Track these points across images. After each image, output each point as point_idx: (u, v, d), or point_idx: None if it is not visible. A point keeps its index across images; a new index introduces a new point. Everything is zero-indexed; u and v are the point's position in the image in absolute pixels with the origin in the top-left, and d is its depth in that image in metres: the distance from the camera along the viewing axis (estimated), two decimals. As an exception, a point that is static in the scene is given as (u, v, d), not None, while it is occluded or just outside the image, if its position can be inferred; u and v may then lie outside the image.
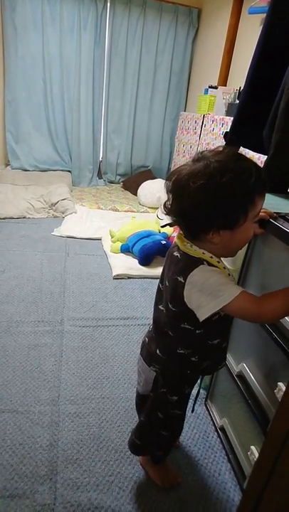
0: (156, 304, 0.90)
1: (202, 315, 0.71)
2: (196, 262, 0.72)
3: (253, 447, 0.97)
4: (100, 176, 4.61)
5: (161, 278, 0.86)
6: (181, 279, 0.73)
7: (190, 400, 0.99)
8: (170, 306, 0.79)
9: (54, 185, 3.68)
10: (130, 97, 4.25)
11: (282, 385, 0.84)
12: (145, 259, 2.41)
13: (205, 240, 0.73)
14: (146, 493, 1.04)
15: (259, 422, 0.94)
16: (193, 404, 1.06)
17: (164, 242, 2.47)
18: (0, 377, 1.40)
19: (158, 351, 0.88)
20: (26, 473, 1.06)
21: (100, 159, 4.56)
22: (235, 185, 0.65)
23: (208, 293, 0.69)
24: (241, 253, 0.98)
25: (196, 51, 4.19)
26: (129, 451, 1.07)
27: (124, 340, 1.69)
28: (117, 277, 2.29)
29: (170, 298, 0.79)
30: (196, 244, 0.74)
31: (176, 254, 0.77)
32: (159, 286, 0.88)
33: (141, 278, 2.31)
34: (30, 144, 4.17)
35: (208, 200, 0.67)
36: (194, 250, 0.73)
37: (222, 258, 0.78)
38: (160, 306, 0.87)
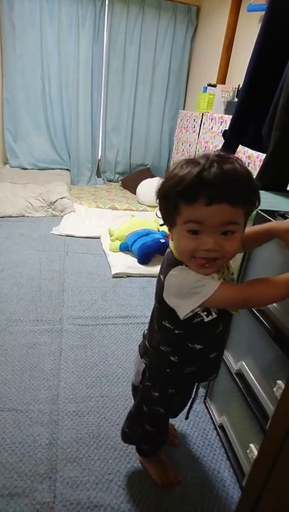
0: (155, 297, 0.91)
1: (182, 312, 0.71)
2: (176, 262, 0.72)
3: (252, 445, 0.97)
4: (98, 174, 4.60)
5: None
6: (162, 277, 0.76)
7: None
8: (156, 302, 0.83)
9: (53, 183, 3.67)
10: (129, 95, 4.25)
11: (281, 383, 0.84)
12: (144, 258, 2.41)
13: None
14: (145, 491, 1.04)
15: (258, 420, 0.94)
16: (188, 411, 1.02)
17: (163, 240, 2.46)
18: (-1, 376, 1.40)
19: (147, 344, 0.91)
20: (26, 472, 1.06)
21: (99, 158, 4.56)
22: (162, 187, 0.68)
23: (186, 291, 0.69)
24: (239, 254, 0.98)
25: (194, 49, 4.19)
26: (126, 444, 1.10)
27: (123, 339, 1.69)
28: (116, 276, 2.28)
29: (156, 295, 0.82)
30: None
31: (168, 250, 0.78)
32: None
33: (140, 276, 2.31)
34: (29, 142, 4.17)
35: (156, 192, 0.71)
36: (176, 250, 0.74)
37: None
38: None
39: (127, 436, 1.06)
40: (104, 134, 4.40)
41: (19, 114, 4.04)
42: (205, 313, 0.74)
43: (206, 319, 0.75)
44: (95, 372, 1.47)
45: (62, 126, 4.24)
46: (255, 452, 0.94)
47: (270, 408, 0.90)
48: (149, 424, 0.98)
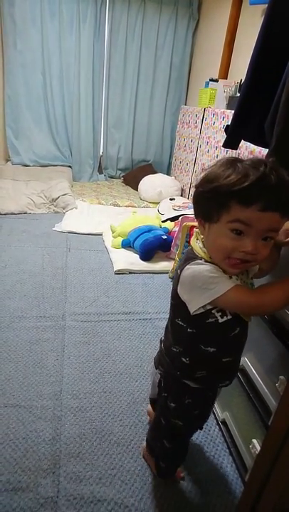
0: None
1: (192, 307, 0.71)
2: (195, 257, 0.73)
3: (254, 440, 0.98)
4: (100, 170, 4.59)
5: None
6: (179, 271, 0.75)
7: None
8: (171, 299, 0.81)
9: (54, 180, 3.67)
10: (130, 91, 4.22)
11: (283, 379, 0.84)
12: (146, 254, 2.41)
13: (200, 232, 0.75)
14: (148, 486, 1.05)
15: (261, 415, 0.94)
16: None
17: (164, 237, 2.46)
18: (2, 372, 1.41)
19: (162, 347, 0.89)
20: (29, 467, 1.07)
21: (101, 154, 4.54)
22: (216, 180, 0.66)
23: (199, 285, 0.69)
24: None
25: (196, 44, 4.15)
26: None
27: (125, 335, 1.70)
28: (118, 272, 2.29)
29: (172, 291, 0.80)
30: (202, 241, 0.75)
31: (188, 248, 0.78)
32: None
33: (142, 273, 2.31)
34: (31, 139, 4.16)
35: (198, 186, 0.71)
36: (199, 247, 0.74)
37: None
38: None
39: (149, 446, 1.07)
40: (105, 130, 4.38)
41: (20, 111, 4.02)
42: (220, 313, 0.73)
43: (221, 320, 0.73)
44: (98, 368, 1.48)
45: (63, 123, 4.22)
46: (258, 447, 0.94)
47: (272, 403, 0.90)
48: (166, 440, 0.94)
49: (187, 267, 0.72)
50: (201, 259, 0.72)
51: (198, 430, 1.01)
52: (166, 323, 0.90)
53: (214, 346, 0.77)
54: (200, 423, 0.95)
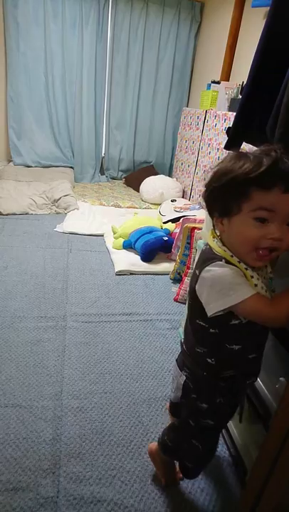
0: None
1: (209, 311, 0.70)
2: (215, 257, 0.70)
3: (254, 442, 0.97)
4: (102, 172, 4.60)
5: None
6: (197, 271, 0.73)
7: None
8: (189, 299, 0.79)
9: (56, 181, 3.68)
10: (132, 93, 4.24)
11: (283, 380, 0.84)
12: (147, 256, 2.41)
13: (217, 230, 0.73)
14: (148, 487, 1.05)
15: (261, 416, 0.94)
16: (240, 416, 0.92)
17: (166, 238, 2.46)
18: (3, 372, 1.41)
19: (185, 349, 0.87)
20: (30, 467, 1.07)
21: (102, 155, 4.55)
22: (229, 172, 0.66)
23: (218, 290, 0.68)
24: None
25: (198, 46, 4.16)
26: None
27: (126, 336, 1.70)
28: (120, 273, 2.29)
29: (189, 290, 0.79)
30: (220, 240, 0.73)
31: (204, 247, 0.77)
32: None
33: (143, 274, 2.31)
34: (33, 140, 4.17)
35: (210, 183, 0.70)
36: (218, 246, 0.72)
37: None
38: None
39: (170, 449, 1.00)
40: (107, 131, 4.39)
41: (23, 112, 4.04)
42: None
43: (244, 321, 0.71)
44: (99, 369, 1.48)
45: (65, 124, 4.24)
46: (258, 449, 0.94)
47: (272, 405, 0.90)
48: (196, 439, 0.90)
49: (207, 268, 0.69)
50: (221, 259, 0.69)
51: None
52: (184, 324, 0.88)
53: (240, 344, 0.75)
54: (229, 419, 0.94)
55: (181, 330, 1.73)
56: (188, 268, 2.07)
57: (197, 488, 1.06)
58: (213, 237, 0.74)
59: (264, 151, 0.65)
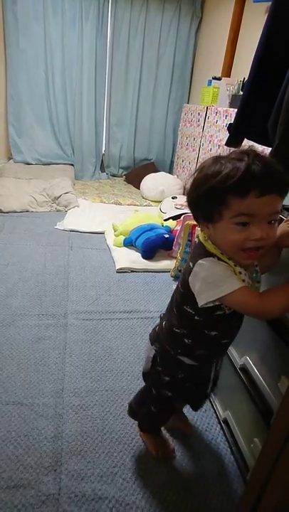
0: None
1: (200, 301, 0.75)
2: (207, 253, 0.75)
3: (256, 439, 0.98)
4: (102, 169, 4.59)
5: None
6: (190, 264, 0.78)
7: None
8: (180, 287, 0.85)
9: (57, 178, 3.67)
10: (133, 89, 4.22)
11: (285, 378, 0.84)
12: (148, 253, 2.41)
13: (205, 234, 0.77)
14: (149, 484, 1.05)
15: (262, 414, 0.94)
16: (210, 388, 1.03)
17: (166, 235, 2.46)
18: (4, 370, 1.41)
19: (164, 324, 0.94)
20: (31, 464, 1.07)
21: (103, 152, 4.54)
22: (207, 181, 0.68)
23: (209, 281, 0.73)
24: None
25: (199, 42, 4.14)
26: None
27: (127, 334, 1.70)
28: (120, 271, 2.29)
29: (181, 279, 0.84)
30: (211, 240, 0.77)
31: (196, 241, 0.81)
32: None
33: (144, 271, 2.31)
34: (33, 137, 4.16)
35: (191, 191, 0.74)
36: (209, 244, 0.76)
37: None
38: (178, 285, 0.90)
39: (132, 410, 1.12)
40: (108, 128, 4.38)
41: (23, 109, 4.03)
42: (227, 307, 0.77)
43: (228, 312, 0.78)
44: (100, 367, 1.48)
45: (66, 121, 4.22)
46: (259, 447, 0.94)
47: (274, 403, 0.90)
48: (153, 405, 1.03)
49: (200, 261, 0.74)
50: (213, 256, 0.74)
51: (192, 410, 1.15)
52: (168, 305, 0.95)
53: (217, 331, 0.83)
54: (187, 395, 1.05)
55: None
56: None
57: (199, 485, 1.06)
58: (205, 236, 0.78)
59: (237, 154, 0.67)
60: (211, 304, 0.75)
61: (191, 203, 0.75)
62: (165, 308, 0.98)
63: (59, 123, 4.20)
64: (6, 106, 4.01)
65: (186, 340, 0.87)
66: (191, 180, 0.74)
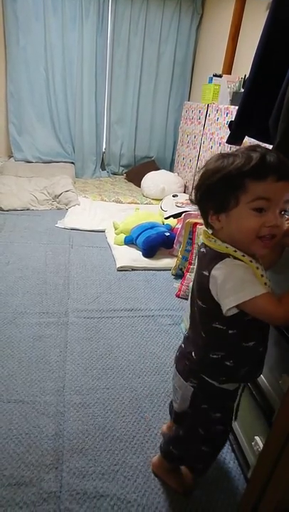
0: (191, 300, 0.86)
1: (224, 307, 0.70)
2: (221, 256, 0.72)
3: (257, 437, 0.98)
4: (103, 167, 4.58)
5: (194, 278, 0.84)
6: (206, 272, 0.73)
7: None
8: (199, 302, 0.78)
9: (57, 176, 3.67)
10: (133, 87, 4.20)
11: (286, 376, 0.84)
12: (149, 251, 2.41)
13: (213, 228, 0.75)
14: (150, 482, 1.05)
15: (264, 412, 0.94)
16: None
17: (167, 233, 2.45)
18: (6, 368, 1.41)
19: (193, 354, 0.84)
20: (32, 462, 1.08)
21: (103, 150, 4.53)
22: (222, 169, 0.69)
23: (229, 287, 0.69)
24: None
25: (200, 39, 4.12)
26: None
27: (128, 332, 1.70)
28: (121, 269, 2.28)
29: (197, 293, 0.79)
30: (217, 238, 0.74)
31: (202, 250, 0.78)
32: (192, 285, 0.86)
33: (145, 270, 2.31)
34: (33, 135, 4.15)
35: (201, 182, 0.73)
36: (218, 245, 0.73)
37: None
38: (194, 304, 0.83)
39: (175, 456, 0.99)
40: (108, 126, 4.37)
41: (23, 107, 4.02)
42: None
43: None
44: (101, 365, 1.48)
45: (66, 119, 4.21)
46: (261, 444, 0.94)
47: (275, 401, 0.90)
48: (205, 445, 0.91)
49: (217, 266, 0.71)
50: (228, 255, 0.71)
51: None
52: (187, 333, 0.88)
53: (253, 340, 0.77)
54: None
55: (183, 325, 1.73)
56: (190, 264, 2.06)
57: (200, 483, 1.06)
58: (208, 238, 0.76)
59: (248, 148, 0.69)
60: (236, 310, 0.70)
61: (203, 194, 0.73)
62: (183, 337, 0.91)
63: (59, 121, 4.19)
64: (7, 104, 4.00)
65: (228, 363, 0.78)
66: (198, 175, 0.74)
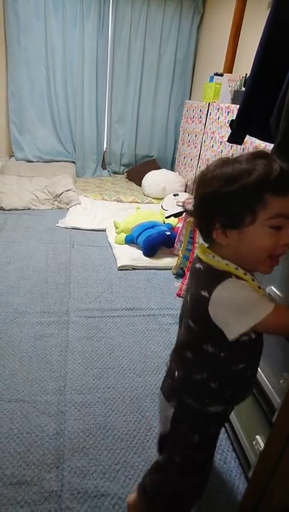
0: (180, 319, 0.80)
1: (230, 334, 0.64)
2: (222, 275, 0.65)
3: (258, 437, 0.98)
4: (104, 166, 4.58)
5: (185, 293, 0.78)
6: (205, 293, 0.65)
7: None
8: (191, 324, 0.71)
9: (58, 176, 3.67)
10: (134, 86, 4.20)
11: (287, 376, 0.84)
12: (150, 250, 2.41)
13: (215, 242, 0.67)
14: (151, 481, 1.05)
15: (265, 411, 0.94)
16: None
17: (168, 233, 2.45)
18: (7, 368, 1.41)
19: (176, 373, 0.77)
20: (33, 461, 1.08)
21: (104, 149, 4.53)
22: (240, 180, 0.61)
23: (236, 309, 0.63)
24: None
25: (201, 38, 4.11)
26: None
27: (129, 331, 1.70)
28: (122, 268, 2.28)
29: (191, 315, 0.72)
30: (217, 253, 0.67)
31: (198, 266, 0.70)
32: (183, 301, 0.80)
33: (145, 269, 2.31)
34: (34, 134, 4.16)
35: (209, 190, 0.64)
36: (217, 261, 0.66)
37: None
38: (183, 322, 0.78)
39: (146, 490, 0.89)
40: (109, 125, 4.36)
41: (24, 107, 4.02)
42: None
43: (254, 336, 0.68)
44: (102, 364, 1.48)
45: (67, 118, 4.21)
46: (261, 444, 0.94)
47: (276, 400, 0.90)
48: (181, 477, 0.81)
49: (219, 288, 0.63)
50: (230, 275, 0.65)
51: None
52: (171, 354, 0.82)
53: (243, 362, 0.72)
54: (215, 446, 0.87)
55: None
56: (190, 263, 2.06)
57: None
58: (205, 253, 0.69)
59: (253, 156, 0.63)
60: (246, 338, 0.66)
61: (209, 205, 0.65)
62: (169, 356, 0.84)
63: (60, 120, 4.19)
64: (7, 103, 4.00)
65: (212, 385, 0.72)
66: (198, 181, 0.67)
